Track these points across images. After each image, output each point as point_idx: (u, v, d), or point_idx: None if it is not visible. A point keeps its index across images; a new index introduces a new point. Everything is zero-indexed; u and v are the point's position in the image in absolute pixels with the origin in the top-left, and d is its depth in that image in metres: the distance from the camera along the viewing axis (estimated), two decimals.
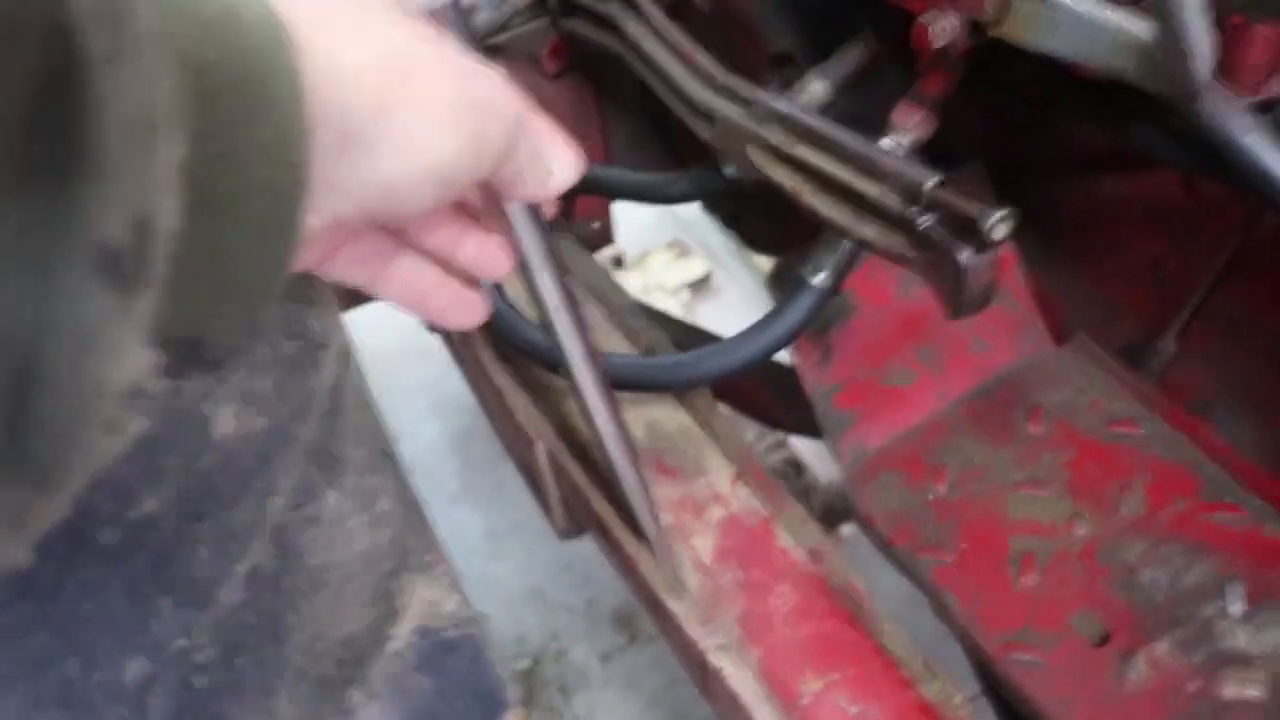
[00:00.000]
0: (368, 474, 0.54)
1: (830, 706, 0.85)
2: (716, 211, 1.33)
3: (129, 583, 0.45)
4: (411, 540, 0.52)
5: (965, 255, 0.67)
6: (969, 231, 0.66)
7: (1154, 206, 0.99)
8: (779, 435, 1.98)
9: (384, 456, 0.54)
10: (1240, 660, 0.88)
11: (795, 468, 1.93)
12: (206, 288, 0.38)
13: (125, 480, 0.45)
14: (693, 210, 2.49)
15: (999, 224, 0.65)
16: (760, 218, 1.22)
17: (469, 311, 0.58)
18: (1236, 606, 0.92)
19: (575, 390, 0.65)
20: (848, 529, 1.89)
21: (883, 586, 0.95)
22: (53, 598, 0.43)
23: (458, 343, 1.25)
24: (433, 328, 1.30)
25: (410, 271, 0.54)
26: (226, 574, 0.48)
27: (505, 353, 1.15)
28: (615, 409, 0.67)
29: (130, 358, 0.30)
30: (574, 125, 1.35)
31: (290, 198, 0.39)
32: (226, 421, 0.49)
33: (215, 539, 0.48)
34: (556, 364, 0.68)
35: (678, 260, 2.37)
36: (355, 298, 1.34)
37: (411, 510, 0.53)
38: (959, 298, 0.68)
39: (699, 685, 0.99)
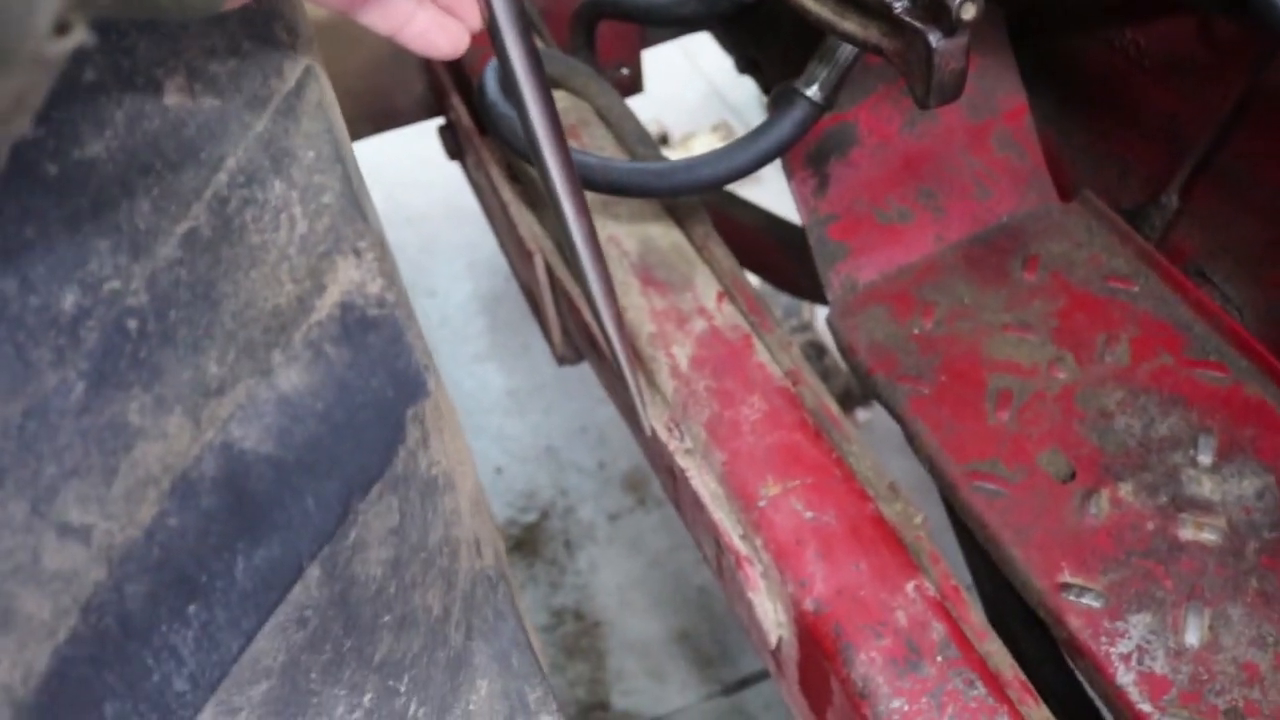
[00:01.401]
0: (316, 173, 0.56)
1: (786, 510, 0.87)
2: (736, 54, 1.33)
3: (69, 218, 0.48)
4: (348, 229, 0.55)
5: (935, 37, 0.67)
6: (940, 13, 0.66)
7: (1170, 57, 0.98)
8: (804, 318, 1.99)
9: (335, 161, 0.57)
10: (1201, 506, 0.89)
11: (817, 350, 1.94)
12: None
13: (69, 120, 0.48)
14: (740, 93, 2.48)
15: (967, 3, 0.65)
16: (778, 61, 1.22)
17: (448, 38, 0.61)
18: (1206, 457, 0.92)
19: (535, 160, 0.66)
20: (864, 414, 1.90)
21: (893, 472, 0.95)
22: None
23: (473, 169, 1.27)
24: (448, 151, 1.32)
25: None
26: (165, 230, 0.51)
27: (514, 173, 1.17)
28: (578, 188, 0.68)
29: None
30: None
31: None
32: (177, 90, 0.51)
33: (157, 196, 0.51)
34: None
35: (722, 143, 2.36)
36: (378, 123, 1.37)
37: (352, 204, 0.55)
38: (928, 83, 0.69)
39: (669, 493, 1.01)
